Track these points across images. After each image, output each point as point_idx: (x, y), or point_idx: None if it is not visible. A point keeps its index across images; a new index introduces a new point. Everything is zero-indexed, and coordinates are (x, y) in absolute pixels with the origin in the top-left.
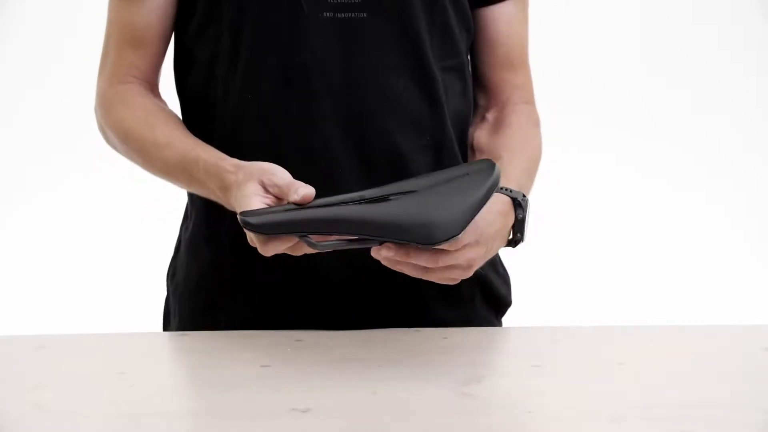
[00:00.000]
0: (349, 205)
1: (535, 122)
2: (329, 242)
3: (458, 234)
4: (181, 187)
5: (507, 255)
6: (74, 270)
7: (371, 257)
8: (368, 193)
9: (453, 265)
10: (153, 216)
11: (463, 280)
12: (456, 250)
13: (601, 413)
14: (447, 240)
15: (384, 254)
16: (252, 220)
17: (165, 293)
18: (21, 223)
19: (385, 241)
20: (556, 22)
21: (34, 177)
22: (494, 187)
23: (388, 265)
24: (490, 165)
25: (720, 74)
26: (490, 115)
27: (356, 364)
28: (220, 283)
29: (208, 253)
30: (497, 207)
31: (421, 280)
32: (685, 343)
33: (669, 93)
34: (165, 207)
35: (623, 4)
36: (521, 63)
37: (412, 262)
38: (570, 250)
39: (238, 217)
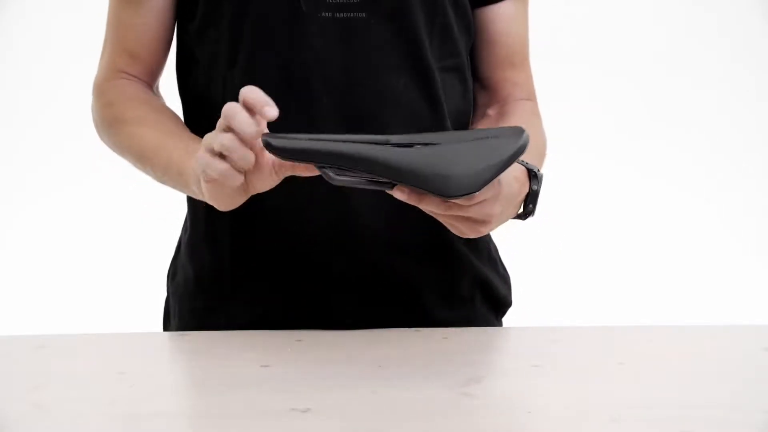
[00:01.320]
0: (373, 145)
1: (538, 116)
2: (346, 178)
3: (475, 191)
4: (164, 176)
5: (507, 256)
6: (74, 270)
7: (371, 257)
8: (395, 138)
9: (468, 217)
10: (154, 217)
11: (463, 281)
12: (470, 206)
13: (601, 413)
14: (462, 195)
15: (397, 196)
16: (274, 142)
17: (165, 294)
18: (21, 224)
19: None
20: (556, 24)
21: (35, 177)
22: (521, 152)
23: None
24: (520, 130)
25: (720, 74)
26: (492, 111)
27: (356, 364)
28: (219, 284)
29: (207, 254)
30: (514, 173)
31: (421, 280)
32: (685, 343)
33: (669, 93)
34: (165, 208)
35: (624, 4)
36: (522, 62)
37: (423, 207)
38: (570, 250)
39: (261, 138)
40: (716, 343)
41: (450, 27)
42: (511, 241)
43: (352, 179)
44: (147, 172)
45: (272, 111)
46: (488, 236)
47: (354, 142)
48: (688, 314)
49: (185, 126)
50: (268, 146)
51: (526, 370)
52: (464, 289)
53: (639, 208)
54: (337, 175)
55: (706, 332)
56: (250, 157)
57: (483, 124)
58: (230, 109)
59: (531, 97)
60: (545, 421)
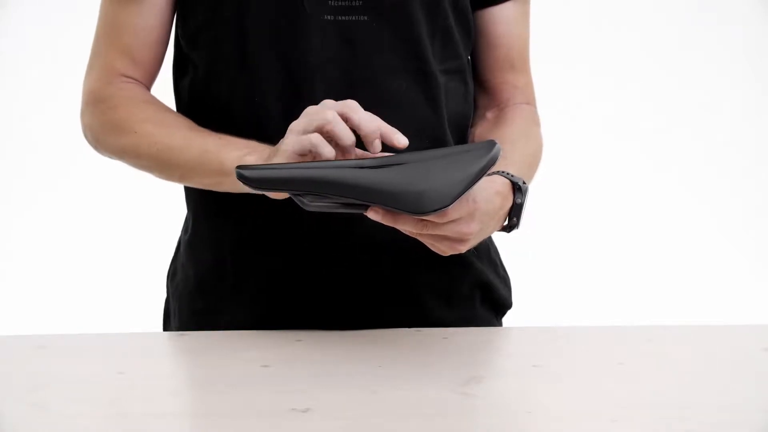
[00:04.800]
0: (344, 169)
1: (536, 122)
2: (320, 204)
3: (447, 205)
4: (189, 173)
5: (507, 256)
6: (74, 270)
7: (372, 258)
8: (366, 161)
9: (442, 236)
10: (154, 216)
11: (463, 282)
12: (444, 223)
13: (601, 413)
14: (435, 211)
15: (372, 217)
16: (247, 173)
17: (165, 294)
18: (21, 224)
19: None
20: (555, 23)
21: (35, 177)
22: (491, 164)
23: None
24: (491, 143)
25: (720, 74)
26: (491, 114)
27: (356, 364)
28: (219, 284)
29: (207, 254)
30: (496, 187)
31: (421, 281)
32: (685, 343)
33: (669, 93)
34: (166, 207)
35: (623, 3)
36: (522, 65)
37: (399, 227)
38: (570, 250)
39: (235, 170)
40: (716, 343)
41: (451, 29)
42: (511, 242)
43: (326, 204)
44: (167, 171)
45: (403, 139)
46: (489, 238)
47: (325, 167)
48: (688, 314)
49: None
50: (242, 178)
51: (526, 370)
52: (464, 290)
53: (638, 208)
54: (311, 201)
55: (706, 332)
56: (351, 137)
57: (481, 128)
58: (354, 104)
59: (530, 102)
60: (545, 421)
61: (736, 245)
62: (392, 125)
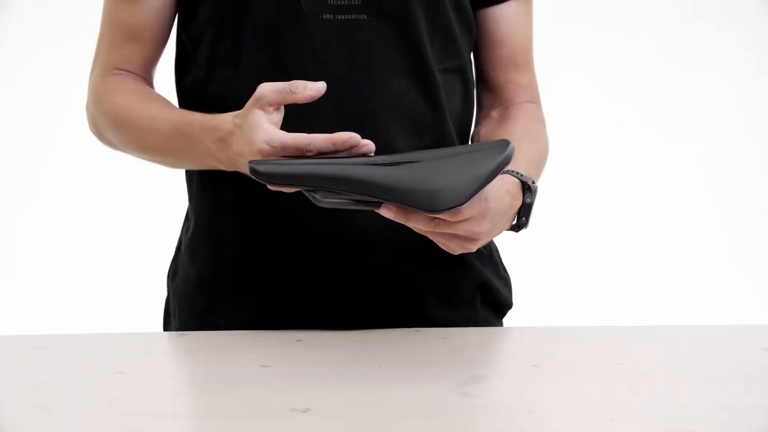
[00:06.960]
0: (358, 166)
1: (541, 121)
2: (333, 200)
3: (461, 204)
4: (179, 163)
5: (508, 257)
6: (74, 270)
7: (372, 258)
8: (380, 158)
9: (454, 234)
10: (154, 216)
11: (464, 283)
12: (457, 222)
13: (601, 413)
14: (449, 209)
15: (384, 214)
16: (261, 168)
17: (165, 293)
18: (21, 223)
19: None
20: (558, 21)
21: (35, 176)
22: (505, 163)
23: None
24: (505, 143)
25: (720, 74)
26: (495, 113)
27: (356, 364)
28: (220, 284)
29: (209, 254)
30: (506, 186)
31: (422, 282)
32: (684, 343)
33: (669, 94)
34: (166, 207)
35: (625, 3)
36: (525, 63)
37: (411, 225)
38: (570, 251)
39: (248, 164)
40: (716, 343)
41: (451, 28)
42: (511, 242)
43: (339, 201)
44: (161, 160)
45: (371, 145)
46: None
47: (339, 164)
48: (687, 314)
49: None
50: (255, 173)
51: (526, 370)
52: (465, 291)
53: (639, 208)
54: (324, 197)
55: (706, 332)
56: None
57: (486, 127)
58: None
59: (534, 100)
60: (545, 421)
61: (736, 245)
62: (391, 124)
